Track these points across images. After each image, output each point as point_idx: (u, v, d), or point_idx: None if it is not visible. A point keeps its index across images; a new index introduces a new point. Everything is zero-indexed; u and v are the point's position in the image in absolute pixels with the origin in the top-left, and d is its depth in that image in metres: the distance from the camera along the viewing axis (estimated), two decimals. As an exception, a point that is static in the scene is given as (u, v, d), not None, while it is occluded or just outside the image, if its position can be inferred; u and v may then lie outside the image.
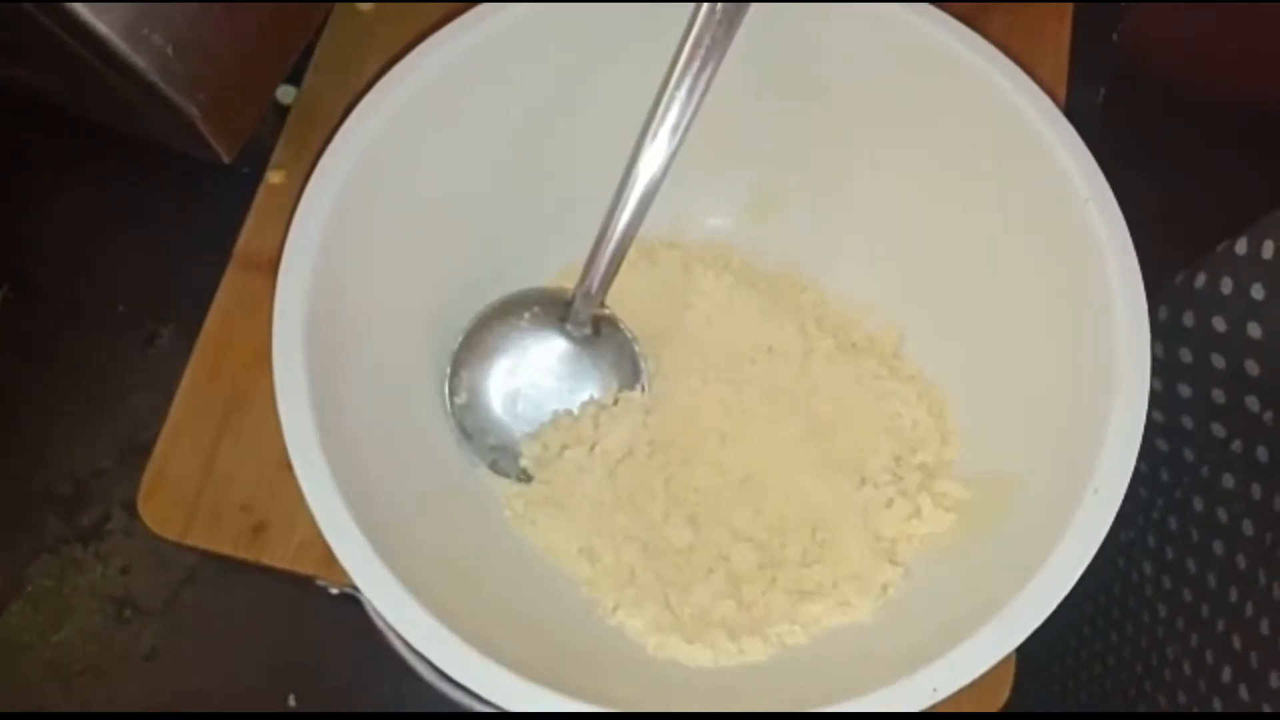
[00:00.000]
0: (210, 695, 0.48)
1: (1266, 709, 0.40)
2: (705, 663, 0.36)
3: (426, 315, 0.41)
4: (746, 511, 0.40)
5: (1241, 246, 0.41)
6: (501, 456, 0.41)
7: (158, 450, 0.43)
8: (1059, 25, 0.50)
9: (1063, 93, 0.48)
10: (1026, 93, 0.37)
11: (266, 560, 0.41)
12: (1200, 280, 0.43)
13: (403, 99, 0.37)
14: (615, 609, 0.38)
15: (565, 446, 0.40)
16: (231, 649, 0.49)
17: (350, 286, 0.37)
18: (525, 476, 0.41)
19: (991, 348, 0.41)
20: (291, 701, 0.48)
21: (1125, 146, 0.41)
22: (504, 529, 0.40)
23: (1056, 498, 0.33)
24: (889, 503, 0.39)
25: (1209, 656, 0.46)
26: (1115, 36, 0.58)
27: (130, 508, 0.44)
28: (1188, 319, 0.44)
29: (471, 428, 0.41)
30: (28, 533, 0.50)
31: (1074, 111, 0.38)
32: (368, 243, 0.37)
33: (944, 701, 0.31)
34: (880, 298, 0.44)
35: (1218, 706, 0.44)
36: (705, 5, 0.36)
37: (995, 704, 0.40)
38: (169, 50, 0.38)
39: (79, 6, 0.35)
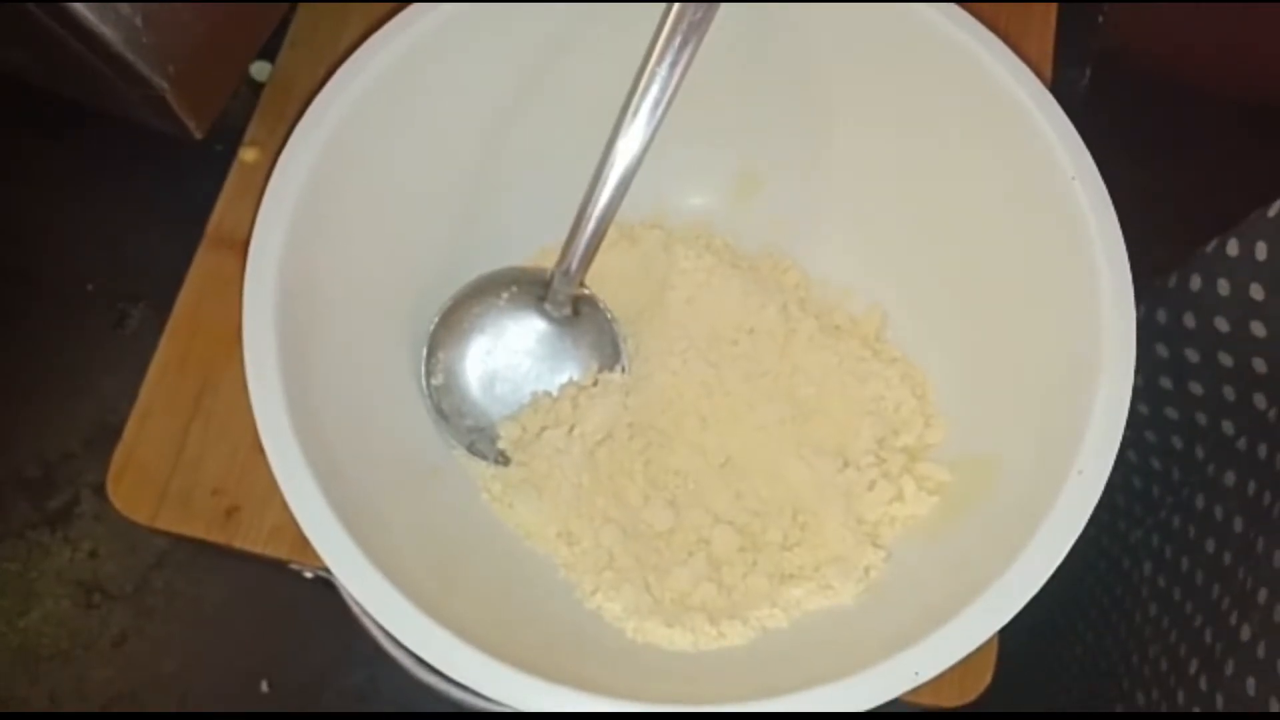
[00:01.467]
0: (181, 681, 0.48)
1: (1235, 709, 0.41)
2: (685, 646, 0.36)
3: (402, 295, 0.40)
4: (727, 494, 0.40)
5: (1233, 248, 0.41)
6: (479, 439, 0.40)
7: (128, 433, 0.42)
8: (1045, 5, 0.49)
9: (1048, 72, 0.48)
10: (1011, 69, 0.37)
11: (239, 544, 0.41)
12: (1195, 282, 0.43)
13: (375, 74, 0.36)
14: (594, 592, 0.37)
15: (544, 428, 0.40)
16: (202, 634, 0.49)
17: (322, 266, 0.36)
18: (503, 459, 0.40)
19: (975, 329, 0.40)
20: (264, 687, 0.48)
21: (1110, 129, 0.41)
22: (481, 512, 0.39)
23: (1040, 479, 0.33)
24: (871, 485, 0.39)
25: (1182, 650, 0.46)
26: (1101, 19, 0.58)
27: (100, 491, 0.44)
28: (1188, 320, 0.43)
29: (448, 409, 0.40)
30: (-6, 517, 0.49)
31: (1059, 93, 0.37)
32: (340, 221, 0.37)
33: (927, 686, 0.30)
34: (863, 279, 0.44)
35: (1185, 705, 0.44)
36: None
37: (976, 689, 0.40)
38: (137, 20, 0.37)
39: (43, -27, 0.35)
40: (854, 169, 0.43)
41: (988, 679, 0.40)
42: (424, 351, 0.40)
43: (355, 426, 0.36)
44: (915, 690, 0.30)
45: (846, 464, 0.39)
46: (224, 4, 0.40)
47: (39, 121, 0.53)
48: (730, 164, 0.45)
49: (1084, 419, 0.33)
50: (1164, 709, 0.46)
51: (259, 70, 0.48)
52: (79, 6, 0.36)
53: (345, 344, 0.37)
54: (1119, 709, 0.51)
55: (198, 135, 0.42)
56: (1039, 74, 0.37)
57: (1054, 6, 0.49)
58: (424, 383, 0.40)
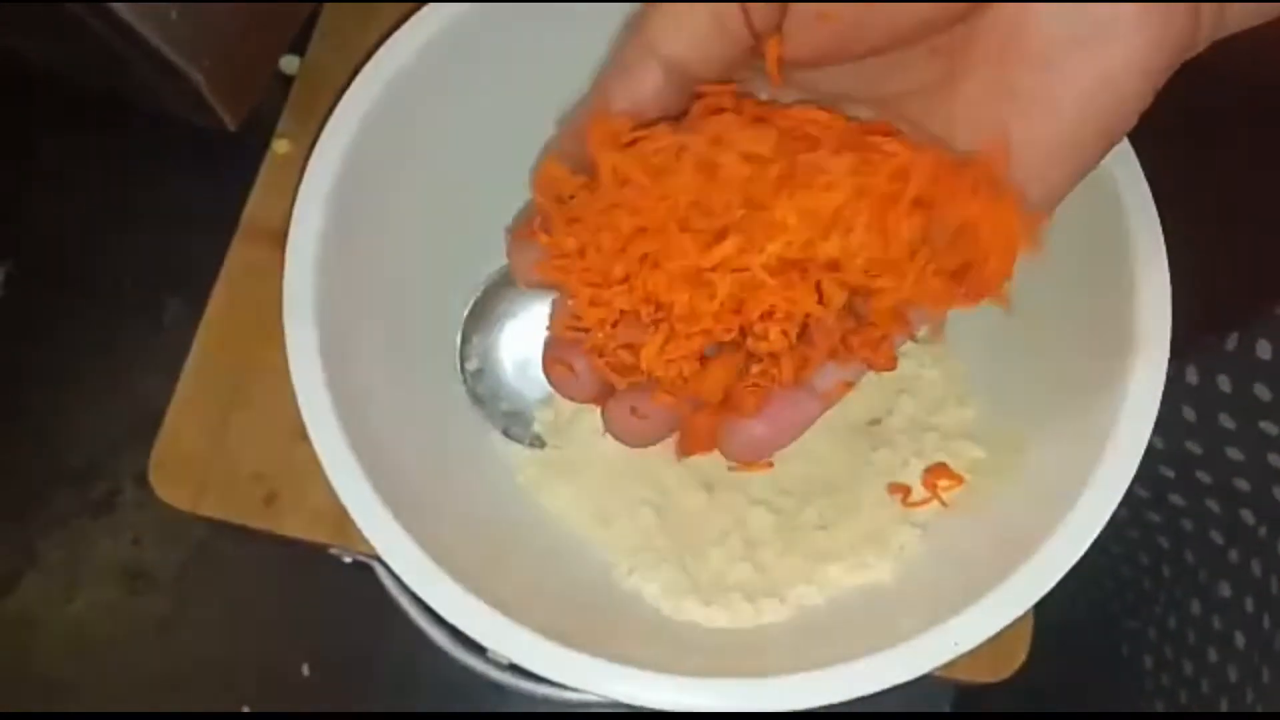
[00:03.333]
0: (224, 665, 0.48)
1: None
2: (723, 624, 0.36)
3: (436, 281, 0.41)
4: (760, 476, 0.40)
5: (1232, 343, 0.41)
6: (515, 422, 0.41)
7: (168, 421, 0.42)
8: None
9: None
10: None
11: (279, 529, 0.41)
12: (1192, 375, 0.43)
13: (406, 63, 0.37)
14: (631, 572, 0.38)
15: (578, 411, 0.40)
16: (244, 619, 0.49)
17: (359, 254, 0.36)
18: (539, 442, 0.41)
19: (1009, 306, 0.40)
20: (305, 670, 0.48)
21: (1148, 122, 0.40)
22: (518, 494, 0.40)
23: (1074, 455, 0.33)
24: (905, 463, 0.39)
25: None
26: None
27: (141, 480, 0.44)
28: (1157, 442, 0.43)
29: (484, 394, 0.41)
30: (39, 506, 0.50)
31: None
32: (375, 210, 0.37)
33: (963, 659, 0.31)
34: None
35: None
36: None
37: (1011, 666, 0.40)
38: (173, 14, 0.38)
39: (82, -31, 0.35)
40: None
41: (1023, 656, 0.40)
42: (459, 337, 0.41)
43: (394, 411, 0.36)
44: (951, 664, 0.31)
45: (881, 443, 0.40)
46: (256, -3, 0.40)
47: (74, 116, 0.54)
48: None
49: (1119, 392, 0.33)
50: None
51: (288, 64, 0.48)
52: (116, 1, 0.36)
53: (383, 331, 0.37)
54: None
55: (232, 127, 0.42)
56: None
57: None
58: (459, 368, 0.41)
